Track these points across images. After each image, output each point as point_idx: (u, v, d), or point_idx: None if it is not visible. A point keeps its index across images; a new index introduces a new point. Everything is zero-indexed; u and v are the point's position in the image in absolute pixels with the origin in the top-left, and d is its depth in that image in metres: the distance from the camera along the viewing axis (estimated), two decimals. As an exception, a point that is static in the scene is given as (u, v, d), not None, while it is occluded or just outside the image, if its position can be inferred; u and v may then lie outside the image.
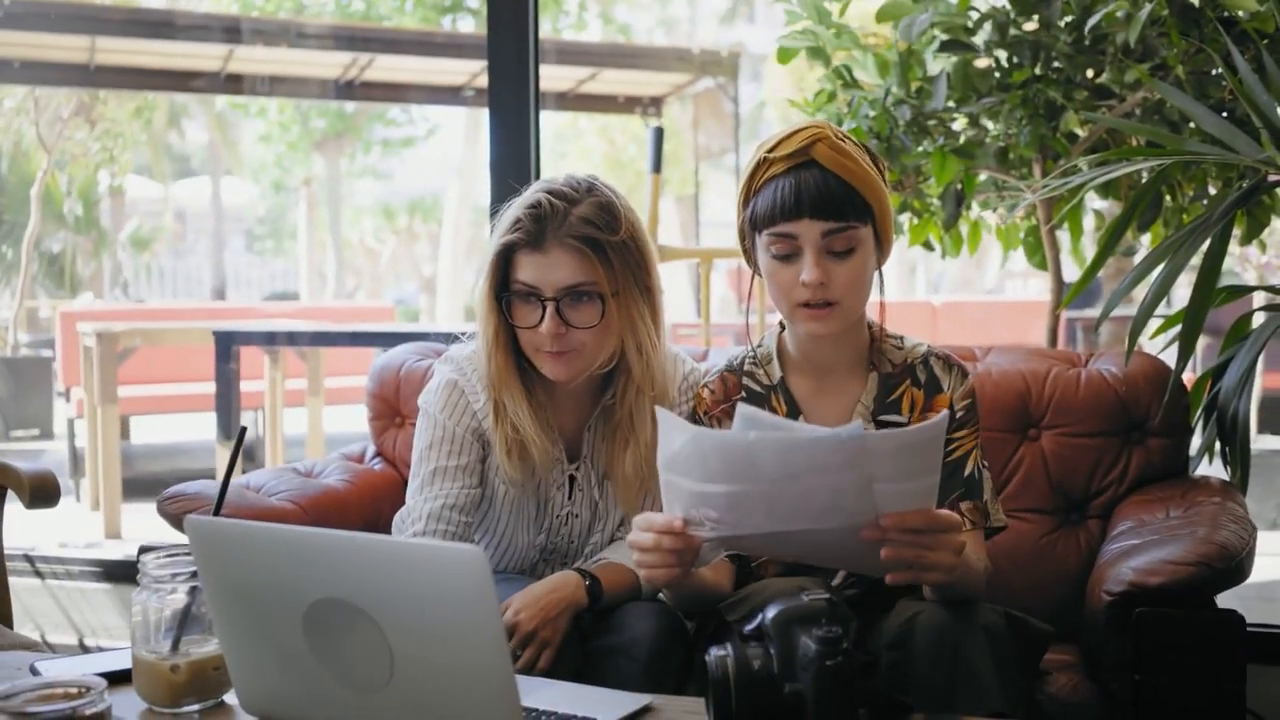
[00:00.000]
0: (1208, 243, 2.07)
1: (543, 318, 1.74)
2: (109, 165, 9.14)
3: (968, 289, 16.58)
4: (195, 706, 1.36)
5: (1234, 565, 1.67)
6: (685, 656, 1.73)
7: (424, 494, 1.82)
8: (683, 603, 1.75)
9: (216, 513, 1.44)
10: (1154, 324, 2.42)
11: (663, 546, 1.44)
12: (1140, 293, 2.15)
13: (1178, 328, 2.38)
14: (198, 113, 17.16)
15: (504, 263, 1.77)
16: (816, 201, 1.65)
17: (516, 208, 1.76)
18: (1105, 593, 1.68)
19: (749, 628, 1.31)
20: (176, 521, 2.00)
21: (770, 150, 1.70)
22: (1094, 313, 6.80)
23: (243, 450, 1.42)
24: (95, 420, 4.98)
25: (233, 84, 8.03)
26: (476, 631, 1.13)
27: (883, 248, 1.75)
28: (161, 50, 7.49)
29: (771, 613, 1.26)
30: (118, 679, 1.40)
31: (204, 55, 7.52)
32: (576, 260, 1.74)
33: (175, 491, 2.05)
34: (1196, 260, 2.06)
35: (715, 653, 1.26)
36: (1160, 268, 2.04)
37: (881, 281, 1.80)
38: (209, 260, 17.31)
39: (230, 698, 1.37)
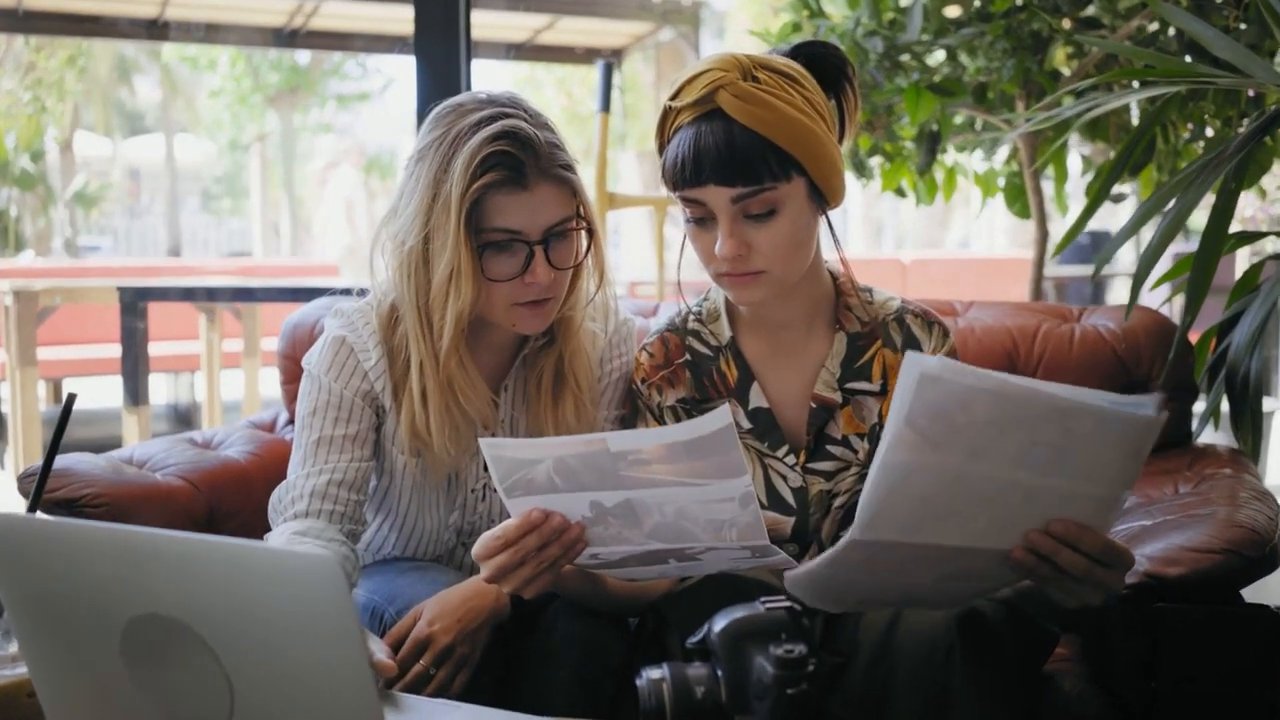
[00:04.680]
0: (1219, 181, 1.83)
1: (527, 265, 1.48)
2: (41, 115, 8.75)
3: (933, 248, 16.42)
4: (3, 742, 1.10)
5: (1268, 552, 1.43)
6: (624, 659, 1.48)
7: (307, 468, 1.55)
8: (599, 605, 1.49)
9: (34, 502, 1.17)
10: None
11: (527, 547, 1.22)
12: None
13: (1173, 279, 2.17)
14: (149, 67, 16.72)
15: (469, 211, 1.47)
16: (719, 164, 1.38)
17: (475, 143, 1.44)
18: (1116, 585, 1.44)
19: (693, 640, 1.06)
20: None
21: (673, 97, 1.43)
22: (1070, 270, 6.59)
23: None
24: (15, 384, 4.68)
25: (171, 30, 7.64)
26: (333, 659, 0.88)
27: (827, 196, 1.47)
28: (95, -8, 7.12)
29: (720, 624, 1.01)
30: (-89, 707, 1.13)
31: (140, -1, 7.15)
32: (560, 194, 1.49)
33: (38, 468, 1.77)
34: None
35: (649, 675, 1.01)
36: (1168, 207, 1.79)
37: (833, 230, 1.54)
38: (165, 220, 16.92)
39: (50, 730, 1.11)
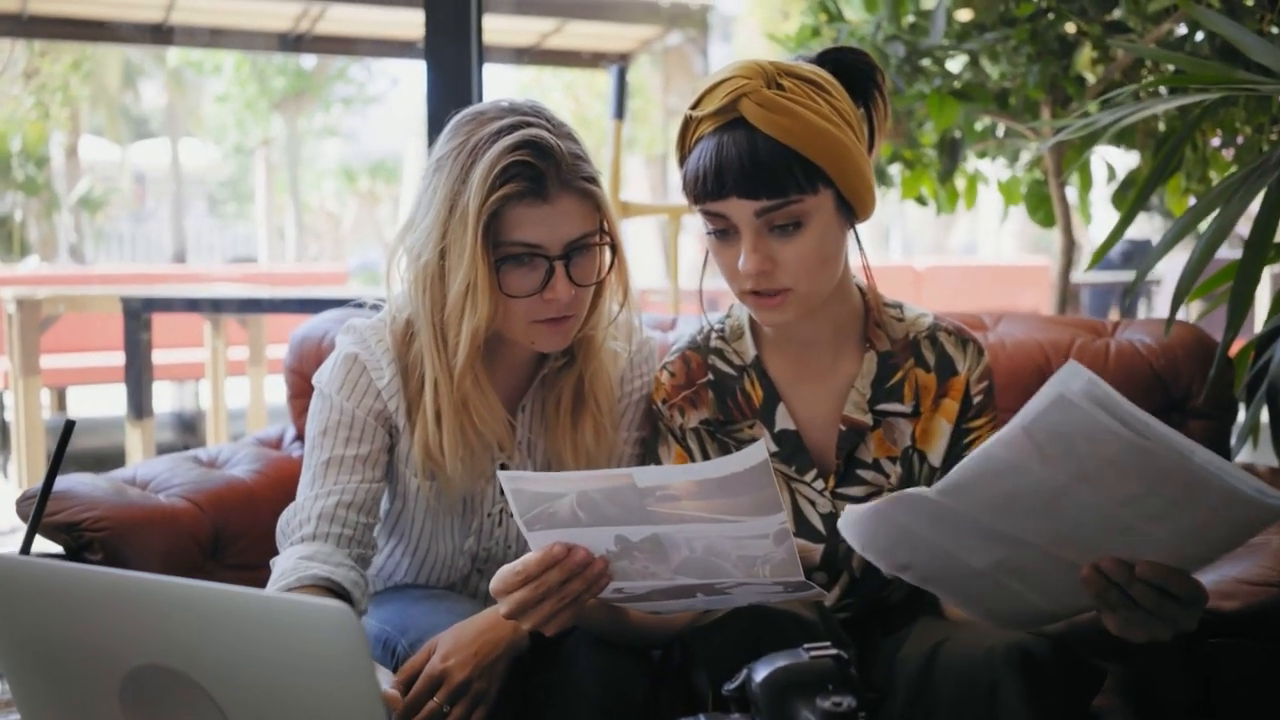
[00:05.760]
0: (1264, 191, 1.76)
1: (546, 281, 1.41)
2: (46, 121, 8.70)
3: (939, 252, 16.35)
4: (-5, 796, 1.03)
5: (1328, 585, 1.36)
6: (646, 693, 1.41)
7: (315, 489, 1.48)
8: (620, 638, 1.42)
9: (29, 536, 1.10)
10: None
11: (549, 582, 1.17)
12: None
13: (1209, 292, 2.10)
14: (154, 72, 16.71)
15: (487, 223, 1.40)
16: (742, 176, 1.31)
17: (494, 153, 1.38)
18: (1166, 619, 1.37)
19: (729, 687, 0.99)
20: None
21: (694, 106, 1.36)
22: (1083, 276, 6.52)
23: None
24: (18, 393, 4.62)
25: (175, 35, 7.59)
26: (346, 712, 0.81)
27: (856, 208, 1.40)
28: (100, -1, 7.07)
29: (761, 673, 0.94)
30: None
31: (144, 4, 7.08)
32: (584, 207, 1.43)
33: (38, 489, 1.71)
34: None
35: (685, 727, 0.95)
36: (1210, 219, 1.73)
37: (860, 245, 1.47)
38: (170, 225, 16.89)
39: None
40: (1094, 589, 1.08)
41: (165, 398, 6.53)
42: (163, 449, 4.42)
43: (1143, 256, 7.77)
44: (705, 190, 1.35)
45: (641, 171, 10.89)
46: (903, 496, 1.06)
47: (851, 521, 1.11)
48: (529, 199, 1.39)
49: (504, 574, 1.19)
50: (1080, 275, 6.28)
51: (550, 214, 1.40)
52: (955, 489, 1.03)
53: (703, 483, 1.04)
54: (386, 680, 1.25)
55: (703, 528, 1.08)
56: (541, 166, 1.38)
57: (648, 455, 1.57)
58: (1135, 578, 1.05)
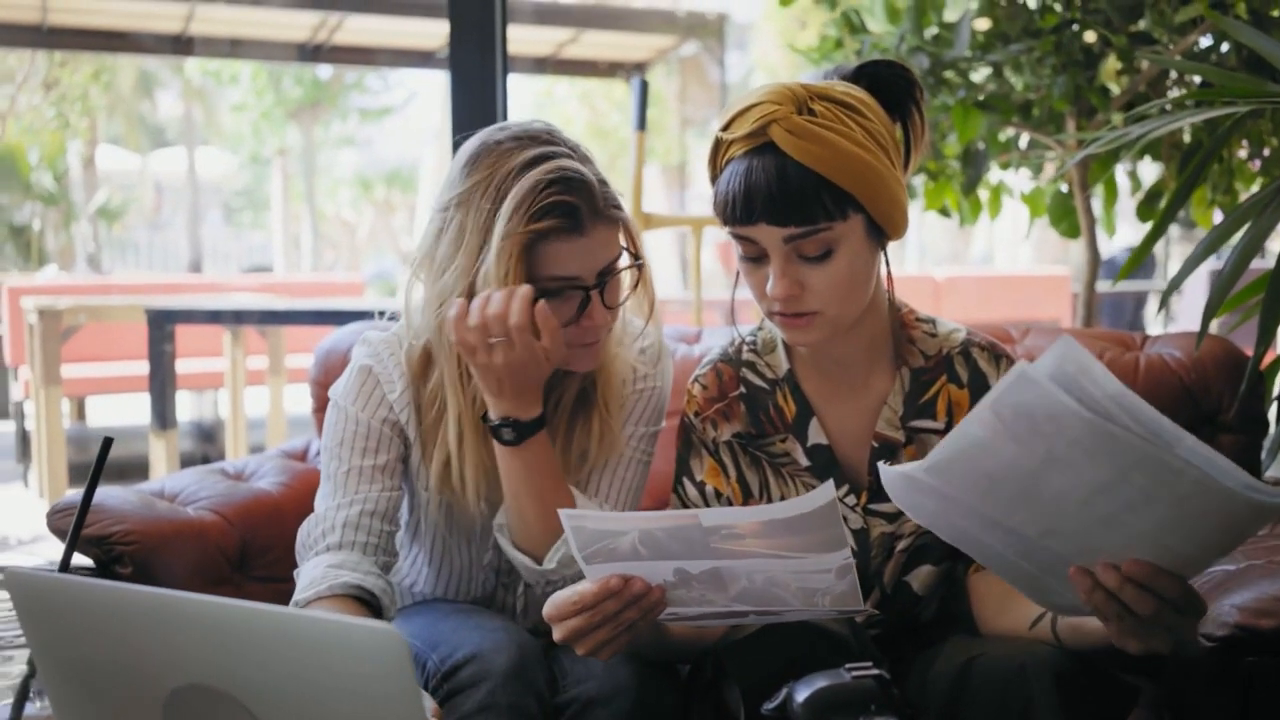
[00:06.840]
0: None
1: (582, 309, 1.42)
2: (65, 130, 8.74)
3: (957, 262, 16.32)
4: (35, 815, 1.03)
5: (1367, 603, 1.35)
6: (677, 708, 1.41)
7: (337, 499, 1.49)
8: (655, 654, 1.43)
9: (67, 558, 1.10)
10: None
11: (605, 611, 1.18)
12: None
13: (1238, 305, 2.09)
14: (171, 81, 16.79)
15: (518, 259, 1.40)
16: (770, 203, 1.29)
17: (526, 190, 1.37)
18: (1203, 636, 1.36)
19: (769, 706, 0.99)
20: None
21: (725, 129, 1.35)
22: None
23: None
24: (39, 402, 4.64)
25: (194, 45, 7.63)
26: (395, 738, 0.81)
27: (888, 230, 1.38)
28: (119, 10, 7.11)
29: (802, 694, 0.94)
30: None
31: (164, 15, 7.13)
32: (614, 234, 1.44)
33: (69, 503, 1.72)
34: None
35: (726, 749, 0.94)
36: (1243, 230, 1.72)
37: (888, 264, 1.45)
38: (186, 233, 16.96)
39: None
40: (1082, 590, 1.08)
41: (184, 407, 6.55)
42: (183, 459, 4.43)
43: (1138, 266, 7.75)
44: (734, 215, 1.34)
45: (658, 181, 10.90)
46: (902, 473, 1.06)
47: (885, 479, 1.11)
48: (565, 234, 1.39)
49: (559, 601, 1.19)
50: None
51: (587, 245, 1.41)
52: (938, 468, 1.03)
53: (769, 523, 1.04)
54: (428, 706, 1.24)
55: (765, 562, 1.08)
56: (576, 201, 1.39)
57: (678, 466, 1.56)
58: (1125, 579, 1.05)
